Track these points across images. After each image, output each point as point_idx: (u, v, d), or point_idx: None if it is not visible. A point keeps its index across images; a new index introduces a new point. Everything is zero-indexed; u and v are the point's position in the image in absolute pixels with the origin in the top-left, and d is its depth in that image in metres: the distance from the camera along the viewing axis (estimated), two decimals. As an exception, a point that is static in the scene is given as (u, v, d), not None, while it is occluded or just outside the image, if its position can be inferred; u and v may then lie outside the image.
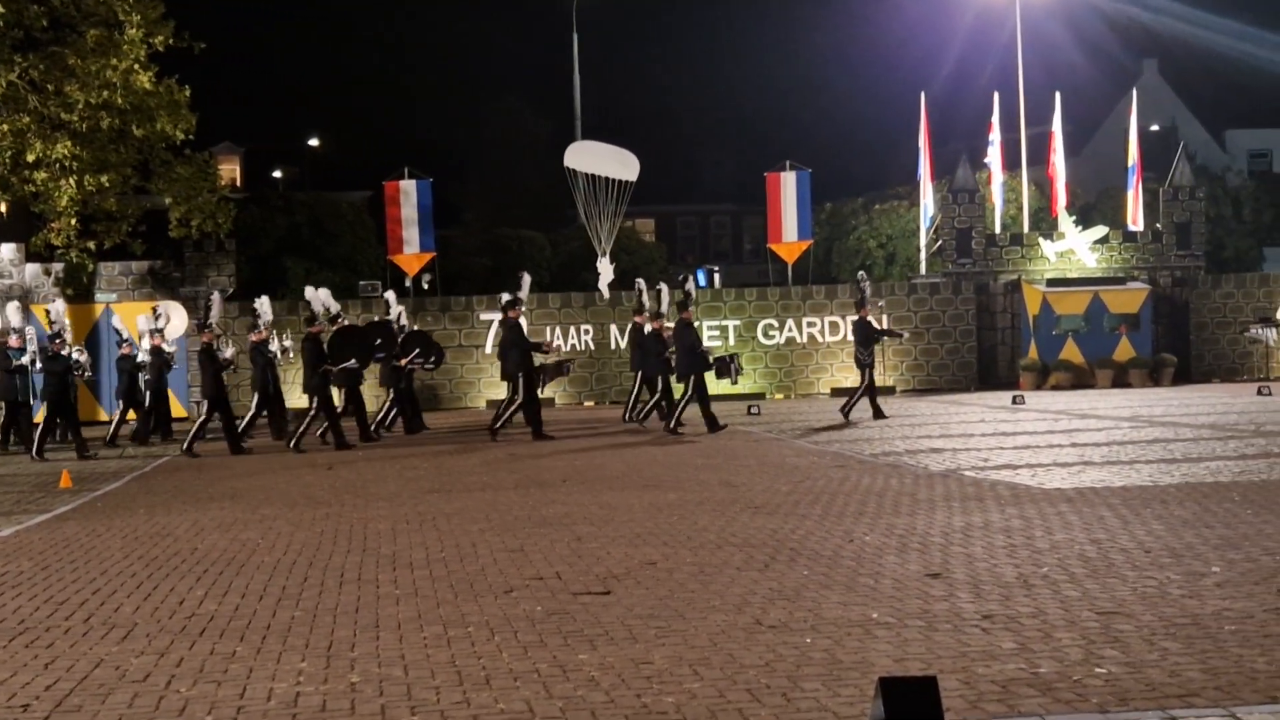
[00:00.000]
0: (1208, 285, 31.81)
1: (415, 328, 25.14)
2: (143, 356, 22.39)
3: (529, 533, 10.21)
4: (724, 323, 30.04)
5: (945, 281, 31.18)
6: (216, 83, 45.63)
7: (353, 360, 20.37)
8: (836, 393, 29.17)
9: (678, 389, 20.74)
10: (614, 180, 30.10)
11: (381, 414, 22.47)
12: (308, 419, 19.82)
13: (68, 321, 21.33)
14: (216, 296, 21.23)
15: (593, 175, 30.23)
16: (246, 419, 20.87)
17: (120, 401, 22.07)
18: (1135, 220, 32.30)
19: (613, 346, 29.62)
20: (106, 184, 26.05)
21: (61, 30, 25.99)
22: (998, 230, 32.24)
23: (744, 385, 25.34)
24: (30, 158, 25.26)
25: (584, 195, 30.26)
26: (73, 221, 26.41)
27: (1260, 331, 30.22)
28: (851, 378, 29.13)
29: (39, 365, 20.46)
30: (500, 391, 28.40)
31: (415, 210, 30.23)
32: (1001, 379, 30.28)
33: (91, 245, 27.27)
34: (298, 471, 16.30)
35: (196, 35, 26.31)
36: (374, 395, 24.33)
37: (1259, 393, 24.95)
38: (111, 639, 6.98)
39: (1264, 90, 51.04)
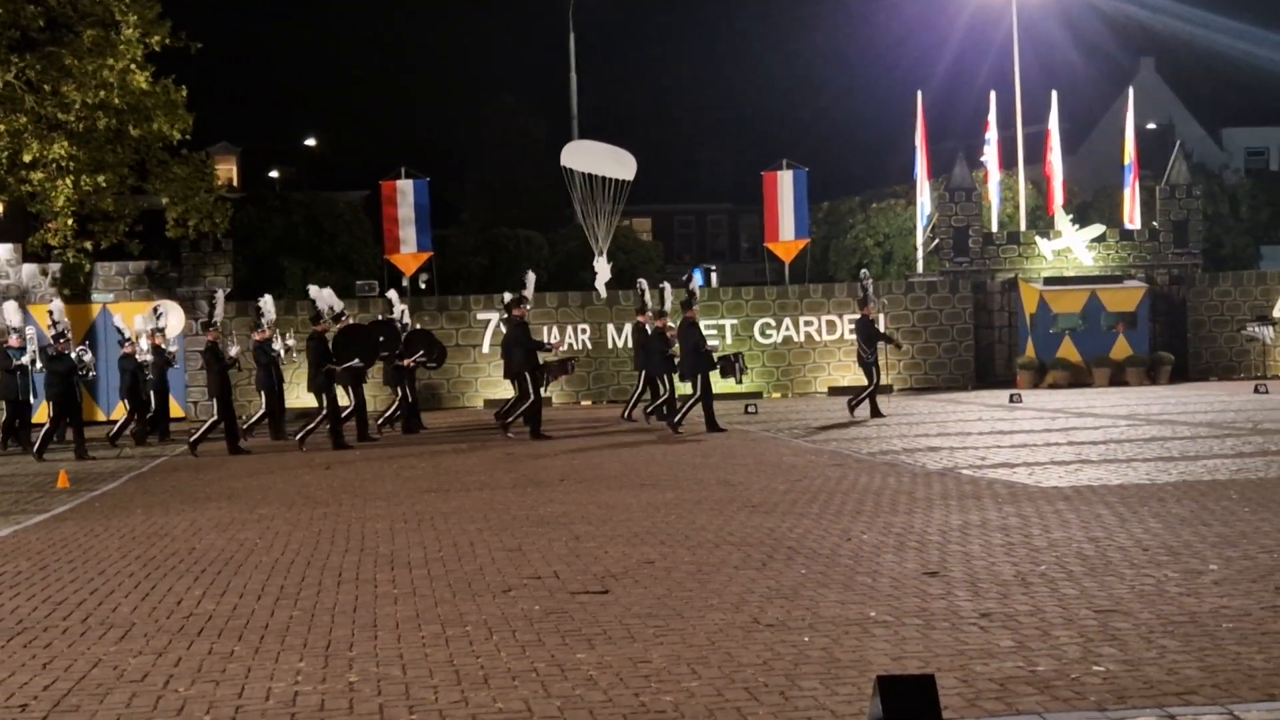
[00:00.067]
0: (1205, 283, 31.83)
1: (418, 326, 25.18)
2: (143, 356, 22.39)
3: (527, 532, 10.21)
4: (721, 322, 30.04)
5: (942, 280, 31.20)
6: (213, 82, 45.63)
7: (356, 360, 20.40)
8: (834, 391, 29.22)
9: (682, 388, 20.80)
10: (611, 179, 30.10)
11: (390, 412, 22.46)
12: (319, 418, 19.81)
13: (68, 321, 21.33)
14: (220, 295, 21.23)
15: (590, 174, 30.23)
16: (255, 418, 20.83)
17: (126, 401, 22.07)
18: (1132, 219, 32.31)
19: (610, 346, 29.64)
20: (103, 184, 26.06)
21: (58, 30, 25.98)
22: (995, 229, 32.24)
23: (732, 385, 25.32)
24: (27, 158, 25.27)
25: (581, 195, 30.26)
26: (69, 222, 26.40)
27: (1257, 329, 30.25)
28: (849, 376, 29.23)
29: (39, 365, 20.46)
30: (498, 390, 28.51)
31: (412, 210, 30.24)
32: (999, 377, 30.30)
33: (88, 245, 27.27)
34: (295, 471, 16.30)
35: (193, 35, 26.35)
36: (372, 395, 24.30)
37: (1256, 391, 24.97)
38: (109, 639, 6.98)
39: (1261, 88, 51.09)
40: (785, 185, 31.32)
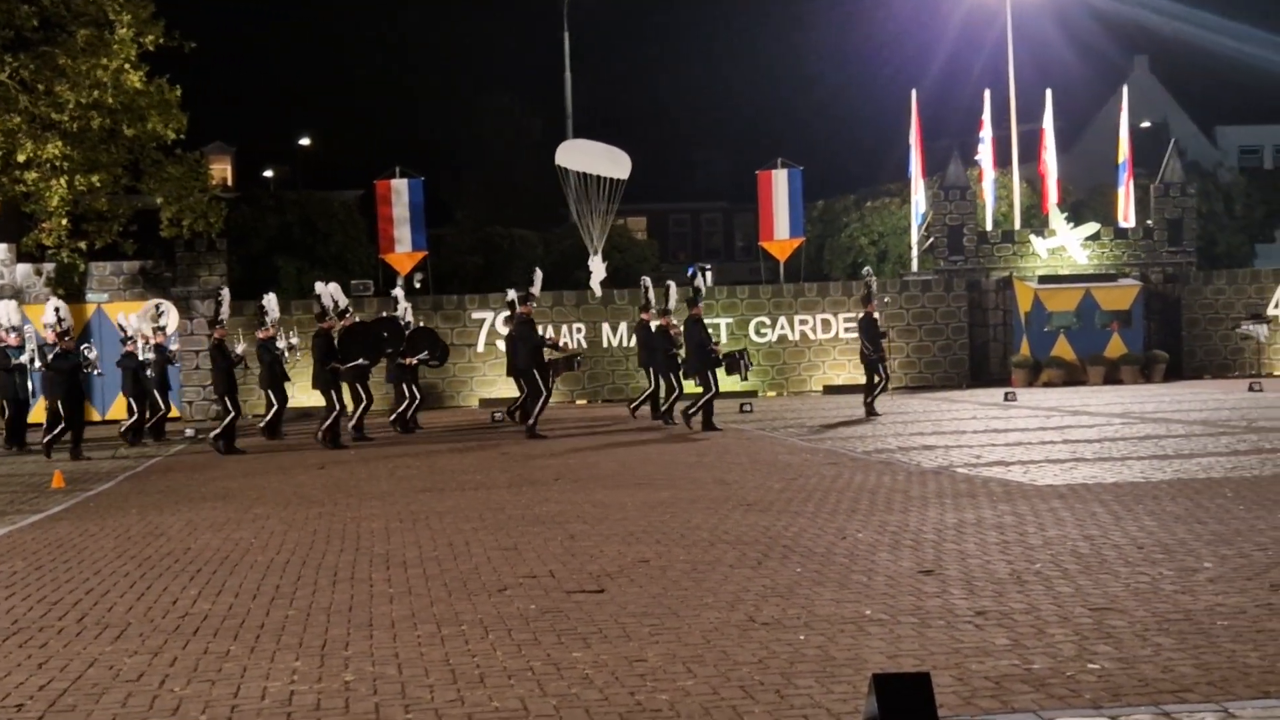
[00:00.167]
0: (1199, 281, 31.86)
1: (421, 324, 25.18)
2: (144, 355, 22.36)
3: (522, 531, 10.21)
4: (716, 320, 30.03)
5: (937, 278, 31.21)
6: (207, 82, 45.48)
7: (361, 359, 20.42)
8: (829, 390, 29.25)
9: (688, 387, 20.88)
10: (606, 178, 30.09)
11: (402, 409, 22.45)
12: (333, 415, 19.77)
13: (72, 320, 21.31)
14: (226, 293, 21.21)
15: (584, 173, 30.22)
16: (270, 415, 20.80)
17: (132, 400, 22.05)
18: (1126, 217, 32.36)
19: (605, 345, 29.65)
20: (97, 184, 26.02)
21: (52, 30, 25.93)
22: (989, 227, 32.27)
23: (736, 383, 25.35)
24: (21, 158, 25.22)
25: (576, 193, 30.24)
26: (64, 221, 26.35)
27: (1252, 328, 30.28)
28: (843, 375, 29.29)
29: (37, 364, 20.44)
30: (494, 390, 28.51)
31: (407, 209, 30.23)
32: (993, 376, 30.33)
33: (83, 245, 27.22)
34: (290, 471, 16.29)
35: (187, 35, 26.29)
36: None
37: (1250, 389, 25.00)
38: (105, 639, 6.98)
39: (1255, 86, 51.15)
40: (780, 184, 31.33)
